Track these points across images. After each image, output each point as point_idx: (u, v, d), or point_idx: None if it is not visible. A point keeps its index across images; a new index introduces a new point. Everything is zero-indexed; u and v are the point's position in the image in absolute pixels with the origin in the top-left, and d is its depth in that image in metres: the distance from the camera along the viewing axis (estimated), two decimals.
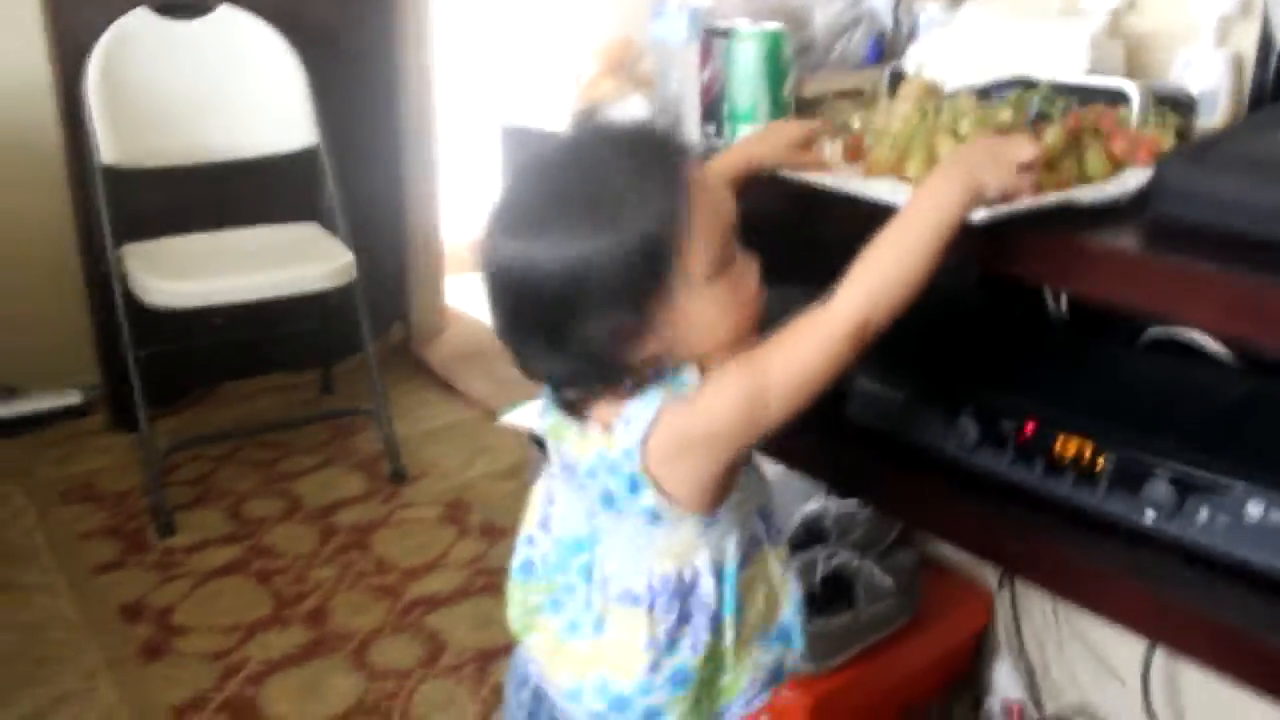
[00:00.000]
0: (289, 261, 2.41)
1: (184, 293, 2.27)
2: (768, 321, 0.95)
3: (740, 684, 1.01)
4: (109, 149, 2.35)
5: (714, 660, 0.98)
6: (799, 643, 1.05)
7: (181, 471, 2.50)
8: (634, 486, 0.92)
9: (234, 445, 2.62)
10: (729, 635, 0.98)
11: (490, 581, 2.09)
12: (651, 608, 0.95)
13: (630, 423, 0.90)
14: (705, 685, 0.99)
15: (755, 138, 1.18)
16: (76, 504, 2.37)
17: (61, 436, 2.65)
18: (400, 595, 2.05)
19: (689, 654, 0.97)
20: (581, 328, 0.85)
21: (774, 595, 1.03)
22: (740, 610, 0.99)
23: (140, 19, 2.44)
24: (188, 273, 2.31)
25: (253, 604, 2.03)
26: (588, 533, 0.98)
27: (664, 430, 0.90)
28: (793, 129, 1.14)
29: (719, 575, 0.97)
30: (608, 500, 0.95)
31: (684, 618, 0.96)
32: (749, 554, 1.00)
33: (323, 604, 2.03)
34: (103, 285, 2.41)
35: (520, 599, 1.06)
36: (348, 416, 2.75)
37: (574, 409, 0.94)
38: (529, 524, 1.06)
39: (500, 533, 2.26)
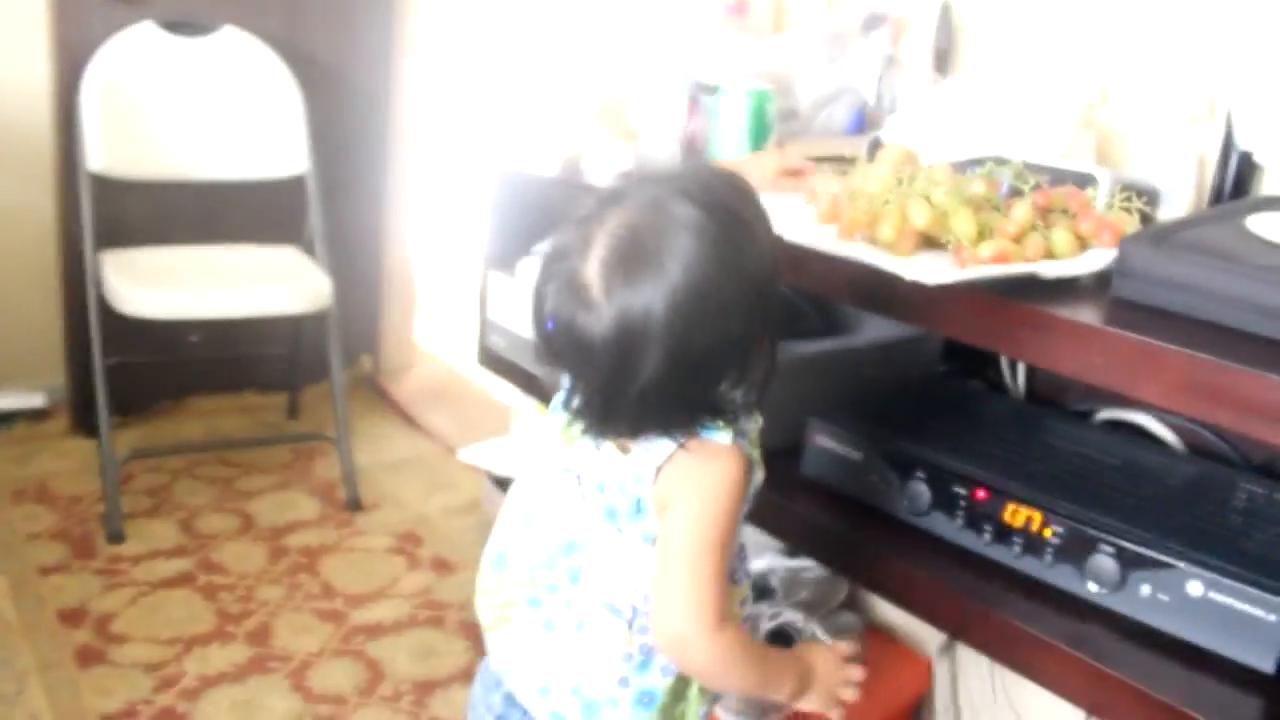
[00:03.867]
0: (266, 282, 2.41)
1: (157, 302, 2.27)
2: None
3: (689, 716, 1.01)
4: (98, 156, 2.37)
5: (679, 687, 0.99)
6: None
7: (138, 481, 2.48)
8: (638, 509, 0.94)
9: (194, 459, 2.60)
10: None
11: (436, 615, 2.08)
12: (631, 624, 0.96)
13: (650, 449, 0.92)
14: (666, 712, 0.99)
15: (743, 160, 1.21)
16: (28, 504, 2.35)
17: (21, 437, 2.63)
18: (344, 621, 2.04)
19: (659, 676, 0.98)
20: (726, 357, 0.90)
21: None
22: None
23: (145, 31, 2.45)
24: (163, 283, 2.31)
25: (195, 618, 2.01)
26: (582, 538, 0.98)
27: (678, 467, 0.92)
28: (778, 157, 1.18)
29: None
30: (611, 515, 0.96)
31: None
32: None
33: (266, 624, 2.01)
34: (78, 289, 2.41)
35: (493, 590, 1.04)
36: (310, 441, 2.74)
37: (600, 431, 0.95)
38: (509, 517, 1.05)
39: (451, 568, 2.25)
